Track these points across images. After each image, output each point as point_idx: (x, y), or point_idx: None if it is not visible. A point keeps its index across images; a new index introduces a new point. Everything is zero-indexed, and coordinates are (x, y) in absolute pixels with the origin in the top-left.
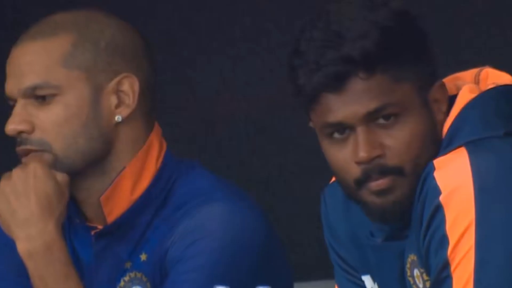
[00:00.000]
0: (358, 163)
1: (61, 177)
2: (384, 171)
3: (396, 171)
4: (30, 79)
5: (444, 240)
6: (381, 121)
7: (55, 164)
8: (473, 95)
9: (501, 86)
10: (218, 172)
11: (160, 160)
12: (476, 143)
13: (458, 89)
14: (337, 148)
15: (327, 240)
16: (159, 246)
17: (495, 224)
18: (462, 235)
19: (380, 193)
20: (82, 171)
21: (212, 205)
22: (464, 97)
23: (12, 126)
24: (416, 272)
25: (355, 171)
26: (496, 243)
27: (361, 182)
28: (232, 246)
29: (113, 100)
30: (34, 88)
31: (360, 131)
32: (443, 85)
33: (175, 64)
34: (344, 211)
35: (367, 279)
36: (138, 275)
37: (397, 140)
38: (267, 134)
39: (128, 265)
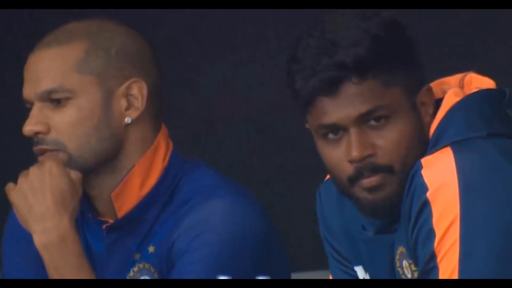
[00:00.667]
0: (351, 161)
1: (75, 174)
2: (375, 169)
3: (386, 169)
4: (46, 84)
5: (431, 234)
6: (372, 122)
7: (69, 163)
8: (457, 99)
9: (484, 90)
10: (219, 171)
11: (167, 159)
12: (460, 143)
13: (444, 93)
14: (331, 147)
15: (322, 234)
16: (166, 239)
17: (478, 219)
18: (447, 229)
19: (372, 189)
20: (94, 169)
21: (215, 201)
22: (449, 101)
23: (29, 127)
24: (405, 263)
25: (348, 169)
26: (479, 237)
27: (354, 179)
28: (233, 239)
29: (123, 103)
30: (50, 92)
31: (353, 132)
32: (430, 89)
33: (180, 69)
34: (338, 206)
35: (359, 270)
36: (147, 266)
37: (387, 141)
38: (266, 135)
39: (137, 256)
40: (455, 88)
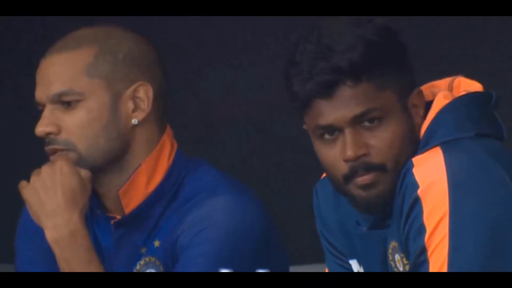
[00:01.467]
0: (346, 160)
1: (84, 173)
2: (369, 168)
3: (379, 168)
4: (57, 87)
5: (421, 229)
6: (366, 124)
7: (79, 162)
8: (447, 101)
9: (472, 93)
10: (221, 170)
11: (172, 158)
12: (450, 143)
13: (434, 95)
14: (327, 147)
15: (319, 229)
16: (170, 234)
17: (467, 215)
18: (437, 224)
19: (365, 187)
20: (103, 168)
21: (217, 198)
22: (439, 103)
23: (41, 128)
24: (397, 257)
25: (343, 168)
26: (467, 232)
27: (349, 177)
28: (234, 234)
29: (130, 105)
30: (60, 94)
31: (348, 132)
32: (421, 92)
33: (183, 73)
34: (334, 203)
35: (353, 263)
36: (152, 259)
37: (380, 141)
38: (266, 135)
39: (143, 250)
40: (445, 91)
